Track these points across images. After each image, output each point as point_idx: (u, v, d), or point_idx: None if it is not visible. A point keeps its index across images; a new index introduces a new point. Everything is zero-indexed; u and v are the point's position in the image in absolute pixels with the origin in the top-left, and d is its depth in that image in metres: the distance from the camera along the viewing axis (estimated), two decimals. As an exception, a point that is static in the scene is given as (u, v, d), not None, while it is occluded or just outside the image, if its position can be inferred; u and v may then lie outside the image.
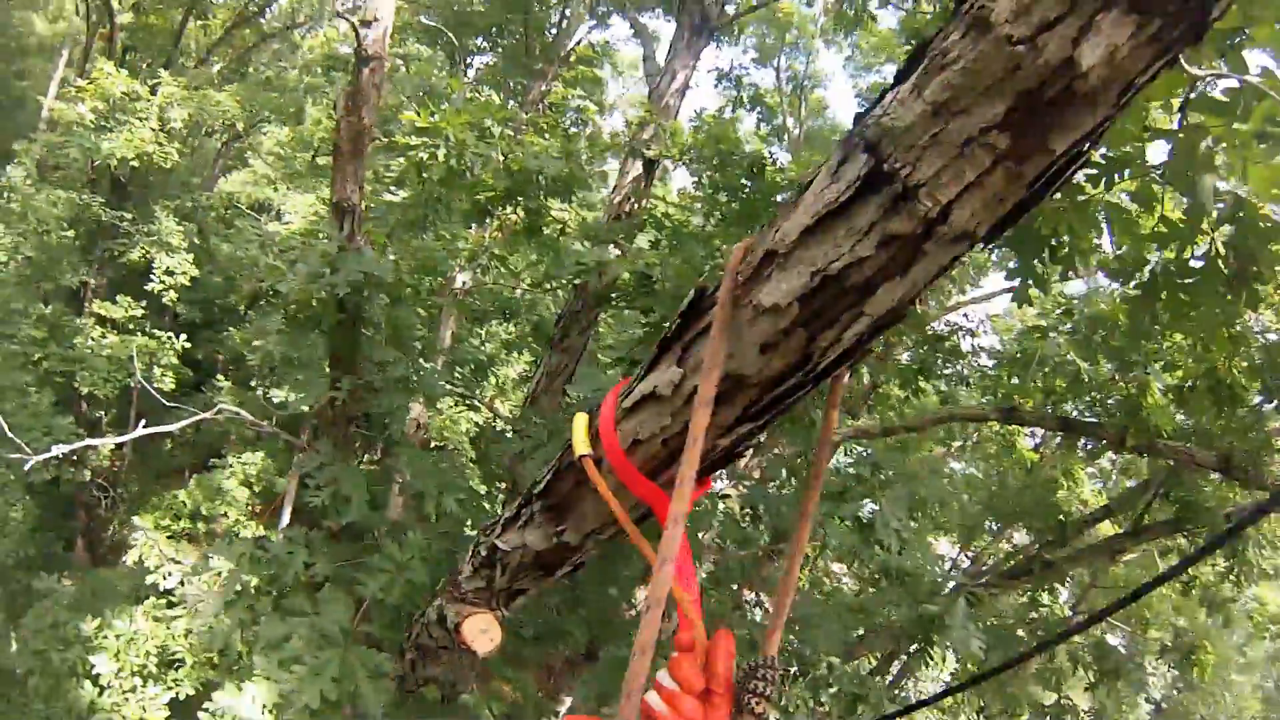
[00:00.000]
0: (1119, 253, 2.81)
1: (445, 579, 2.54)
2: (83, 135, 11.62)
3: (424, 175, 5.61)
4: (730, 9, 8.08)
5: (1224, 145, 2.17)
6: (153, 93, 12.70)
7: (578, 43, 14.80)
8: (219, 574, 5.53)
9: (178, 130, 12.96)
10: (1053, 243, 2.70)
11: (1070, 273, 2.86)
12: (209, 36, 17.30)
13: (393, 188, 6.07)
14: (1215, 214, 2.42)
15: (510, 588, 2.12)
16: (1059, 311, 6.23)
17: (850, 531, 4.66)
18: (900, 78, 1.03)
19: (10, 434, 6.59)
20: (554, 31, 14.68)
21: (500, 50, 14.51)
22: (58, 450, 5.65)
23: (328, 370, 5.64)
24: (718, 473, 1.63)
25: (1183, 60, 1.87)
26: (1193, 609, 10.69)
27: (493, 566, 2.09)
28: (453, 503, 5.10)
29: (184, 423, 6.02)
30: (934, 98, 0.95)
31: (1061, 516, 8.37)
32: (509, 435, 6.19)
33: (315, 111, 16.81)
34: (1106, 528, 9.63)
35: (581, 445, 1.60)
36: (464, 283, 11.22)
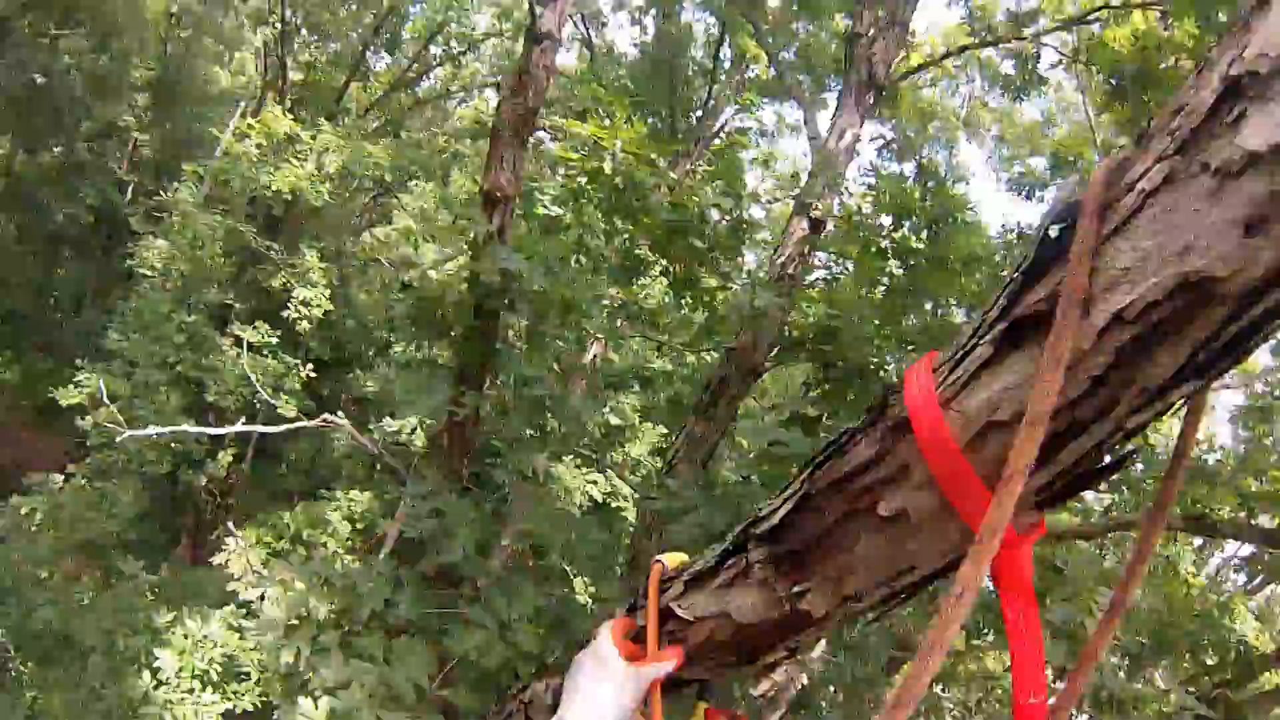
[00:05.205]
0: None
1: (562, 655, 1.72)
2: (247, 166, 12.27)
3: (581, 201, 5.28)
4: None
5: None
6: (313, 138, 13.46)
7: (722, 126, 14.77)
8: (284, 588, 5.03)
9: (331, 175, 13.59)
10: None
11: None
12: (369, 95, 18.41)
13: (547, 204, 5.73)
14: None
15: (673, 677, 1.28)
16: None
17: (1053, 644, 3.84)
18: None
19: (119, 418, 6.68)
20: (699, 114, 14.72)
21: (645, 128, 14.62)
22: (154, 431, 5.74)
23: (452, 385, 5.21)
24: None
25: None
26: None
27: (656, 645, 1.35)
28: (584, 556, 4.49)
29: (297, 425, 5.84)
30: None
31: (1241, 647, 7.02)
32: (652, 496, 5.41)
33: (460, 176, 17.44)
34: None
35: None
36: (596, 355, 10.90)
